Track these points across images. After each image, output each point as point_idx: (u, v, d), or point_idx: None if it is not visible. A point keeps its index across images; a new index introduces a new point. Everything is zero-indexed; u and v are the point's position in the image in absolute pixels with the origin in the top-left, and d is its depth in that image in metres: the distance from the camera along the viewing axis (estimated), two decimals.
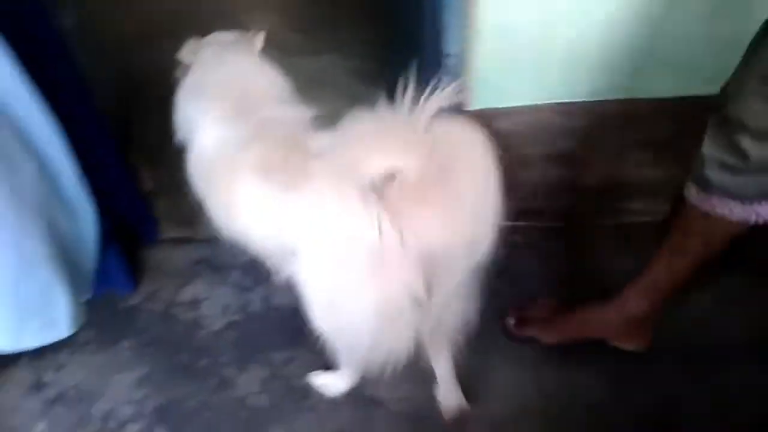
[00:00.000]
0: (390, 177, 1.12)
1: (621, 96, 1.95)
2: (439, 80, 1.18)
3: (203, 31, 2.86)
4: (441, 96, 1.16)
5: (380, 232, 1.14)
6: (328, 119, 1.88)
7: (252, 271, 2.08)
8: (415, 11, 2.03)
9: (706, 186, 1.38)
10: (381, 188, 1.13)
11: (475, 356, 1.85)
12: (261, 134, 1.46)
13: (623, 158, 2.11)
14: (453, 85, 1.16)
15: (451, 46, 1.89)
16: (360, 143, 1.13)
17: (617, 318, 1.80)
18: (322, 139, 1.30)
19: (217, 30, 1.97)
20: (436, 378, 1.75)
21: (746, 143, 1.25)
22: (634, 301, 1.75)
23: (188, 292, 2.06)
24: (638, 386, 1.82)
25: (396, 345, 1.35)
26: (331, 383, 1.79)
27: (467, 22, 1.78)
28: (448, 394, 1.75)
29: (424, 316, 1.31)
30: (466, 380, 1.79)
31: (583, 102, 1.96)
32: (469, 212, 1.17)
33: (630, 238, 2.17)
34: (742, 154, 1.27)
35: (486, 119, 1.95)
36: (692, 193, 1.43)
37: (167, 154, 2.55)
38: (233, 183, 1.46)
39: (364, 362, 1.47)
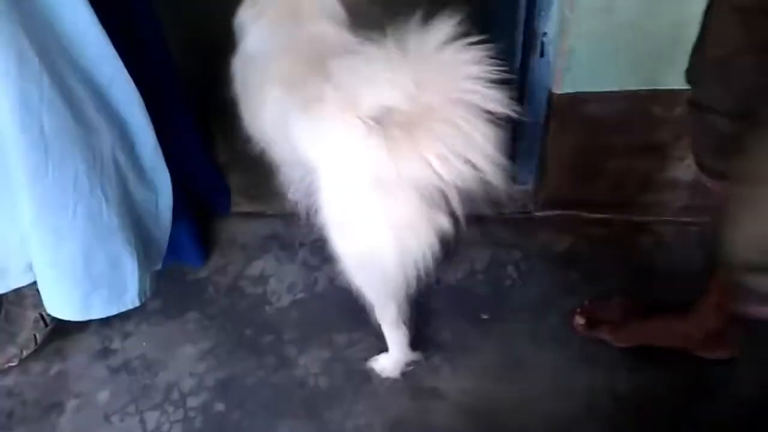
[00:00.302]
0: (388, 109, 1.16)
1: None
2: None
3: None
4: (440, 31, 1.17)
5: (379, 159, 1.18)
6: None
7: (320, 250, 2.04)
8: None
9: None
10: (381, 119, 1.18)
11: (547, 352, 1.77)
12: (297, 48, 1.49)
13: None
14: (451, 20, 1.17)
15: (546, 24, 1.78)
16: (357, 79, 1.19)
17: (697, 331, 1.68)
18: (344, 64, 1.25)
19: None
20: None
21: (722, 124, 1.23)
22: (713, 316, 1.62)
23: (256, 267, 2.04)
24: (720, 394, 1.69)
25: (410, 256, 1.35)
26: (388, 366, 1.76)
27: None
28: None
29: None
30: (535, 376, 1.72)
31: (684, 90, 1.81)
32: (460, 142, 1.18)
33: None
34: (721, 135, 1.24)
35: (576, 103, 1.85)
36: None
37: (245, 128, 2.57)
38: (262, 90, 1.50)
39: (387, 287, 1.45)
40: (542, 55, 1.84)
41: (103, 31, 1.27)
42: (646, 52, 1.73)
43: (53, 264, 1.41)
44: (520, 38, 1.92)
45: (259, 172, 2.31)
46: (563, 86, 1.81)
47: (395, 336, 1.70)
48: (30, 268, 1.45)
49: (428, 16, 1.18)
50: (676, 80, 1.77)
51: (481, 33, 2.62)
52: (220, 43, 2.86)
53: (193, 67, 2.40)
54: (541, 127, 1.98)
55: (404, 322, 1.66)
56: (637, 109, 1.85)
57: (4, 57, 1.08)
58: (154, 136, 1.50)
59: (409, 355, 1.74)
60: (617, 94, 1.82)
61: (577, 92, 1.83)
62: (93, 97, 1.32)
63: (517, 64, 1.99)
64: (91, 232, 1.38)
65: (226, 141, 2.45)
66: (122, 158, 1.41)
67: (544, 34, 1.79)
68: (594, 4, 1.65)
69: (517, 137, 2.10)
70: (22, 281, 1.51)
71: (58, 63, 1.21)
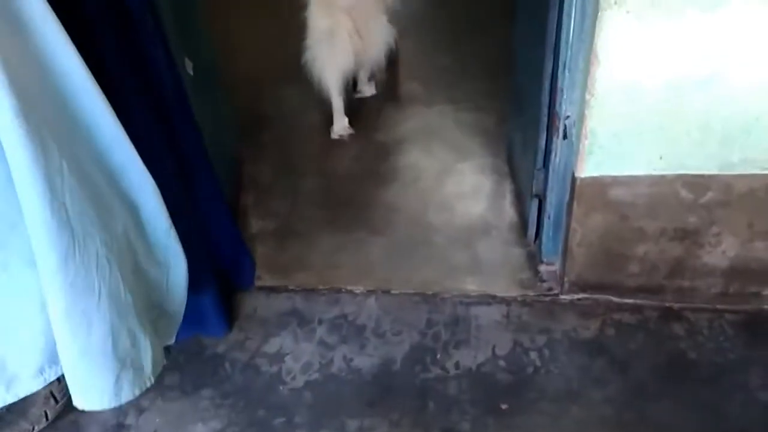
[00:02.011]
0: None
1: (756, 171, 1.74)
2: None
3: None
4: None
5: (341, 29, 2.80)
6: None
7: (338, 328, 2.02)
8: (534, 68, 1.92)
9: None
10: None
11: None
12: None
13: (756, 239, 1.86)
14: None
15: (568, 107, 1.77)
16: None
17: None
18: None
19: None
20: None
21: None
22: None
23: (274, 344, 2.01)
24: None
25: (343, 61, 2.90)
26: (334, 129, 2.98)
27: (586, 82, 1.65)
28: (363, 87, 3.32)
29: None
30: None
31: (713, 175, 1.75)
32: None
33: (761, 329, 1.92)
34: None
35: (601, 186, 1.81)
36: None
37: (276, 199, 2.62)
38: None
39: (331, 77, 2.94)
40: (565, 137, 1.81)
41: (116, 118, 1.31)
42: (672, 136, 1.69)
43: (85, 351, 1.41)
44: (544, 119, 1.90)
45: (283, 246, 2.34)
46: (586, 168, 1.78)
47: (335, 103, 2.99)
48: (41, 372, 1.47)
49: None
50: (705, 164, 1.75)
51: (507, 111, 2.69)
52: (250, 119, 2.99)
53: (228, 141, 2.47)
54: (566, 207, 1.94)
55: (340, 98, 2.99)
56: (666, 193, 1.80)
57: (32, 147, 1.13)
58: (167, 220, 1.52)
59: (345, 121, 2.99)
60: (643, 178, 1.77)
61: (601, 175, 1.78)
62: (107, 181, 1.36)
63: (542, 143, 1.97)
64: (115, 311, 1.40)
65: (257, 214, 2.50)
66: (133, 236, 1.44)
67: (567, 116, 1.78)
68: (614, 88, 1.63)
69: (542, 215, 2.07)
70: (32, 388, 1.52)
71: (74, 149, 1.25)
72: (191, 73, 2.00)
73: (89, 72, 1.28)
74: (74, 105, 1.25)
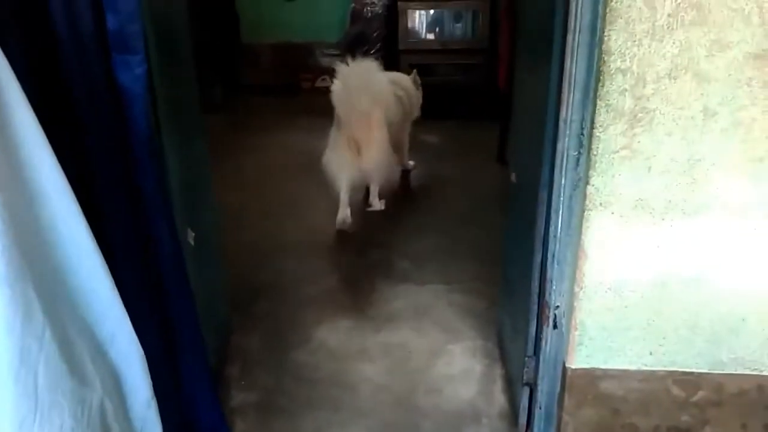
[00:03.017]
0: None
1: (747, 371, 1.74)
2: None
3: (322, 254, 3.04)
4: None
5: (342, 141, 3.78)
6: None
7: None
8: (524, 258, 1.99)
9: None
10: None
11: None
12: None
13: None
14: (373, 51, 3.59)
15: (557, 297, 1.80)
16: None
17: None
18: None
19: None
20: None
21: None
22: None
23: None
24: None
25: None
26: (338, 218, 3.81)
27: (575, 275, 1.71)
28: (373, 200, 3.99)
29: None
30: None
31: (704, 373, 1.75)
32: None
33: None
34: None
35: (591, 378, 1.79)
36: None
37: (261, 372, 2.57)
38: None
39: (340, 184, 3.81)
40: (555, 326, 1.83)
41: (113, 287, 1.33)
42: (660, 332, 1.72)
43: None
44: (534, 308, 1.93)
45: (264, 422, 2.26)
46: (577, 359, 1.78)
47: (342, 198, 3.81)
48: None
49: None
50: (695, 362, 1.76)
51: (498, 296, 2.71)
52: (246, 288, 3.03)
53: (218, 311, 2.48)
54: (557, 398, 1.91)
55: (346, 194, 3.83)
56: (657, 389, 1.78)
57: (12, 315, 1.12)
58: (149, 391, 1.49)
59: (347, 212, 3.80)
60: (634, 373, 1.77)
61: (591, 367, 1.78)
62: (92, 351, 1.34)
63: (532, 331, 1.98)
64: None
65: (238, 386, 2.44)
66: (110, 409, 1.38)
67: (557, 306, 1.80)
68: (602, 283, 1.68)
69: (533, 404, 2.03)
70: None
71: (62, 317, 1.25)
72: (192, 243, 2.06)
73: (93, 239, 1.32)
74: (74, 271, 1.27)
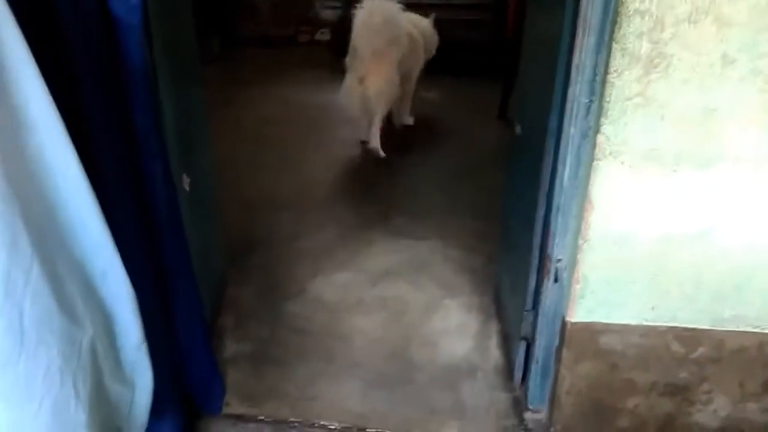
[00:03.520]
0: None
1: (749, 329, 1.72)
2: None
3: (318, 207, 3.03)
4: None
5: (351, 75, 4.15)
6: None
7: None
8: (526, 212, 1.95)
9: None
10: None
11: None
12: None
13: (747, 400, 1.81)
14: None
15: (560, 251, 1.77)
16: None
17: None
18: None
19: None
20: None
21: None
22: None
23: None
24: None
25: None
26: (372, 145, 4.20)
27: (580, 227, 1.67)
28: (372, 138, 4.22)
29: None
30: None
31: (705, 330, 1.73)
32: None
33: None
34: None
35: (591, 333, 1.77)
36: None
37: (256, 323, 2.54)
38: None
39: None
40: (556, 280, 1.80)
41: (104, 223, 1.28)
42: (664, 287, 1.68)
43: None
44: (534, 262, 1.90)
45: (258, 372, 2.24)
46: (577, 313, 1.75)
47: (373, 130, 4.16)
48: None
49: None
50: (697, 318, 1.73)
51: (496, 252, 2.67)
52: (240, 242, 2.98)
53: (214, 263, 2.44)
54: (555, 352, 1.89)
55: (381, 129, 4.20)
56: (657, 345, 1.76)
57: None
58: (140, 334, 1.45)
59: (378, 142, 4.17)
60: (635, 327, 1.74)
61: (592, 321, 1.75)
62: (82, 289, 1.30)
63: (532, 285, 1.95)
64: (56, 428, 1.28)
65: (234, 338, 2.42)
66: (101, 350, 1.35)
67: (559, 260, 1.77)
68: (608, 236, 1.64)
69: (530, 358, 2.01)
70: None
71: (51, 252, 1.20)
72: (187, 188, 2.00)
73: (84, 174, 1.26)
74: (64, 205, 1.22)
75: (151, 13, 1.64)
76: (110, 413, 1.44)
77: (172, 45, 1.94)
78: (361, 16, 3.92)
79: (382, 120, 4.22)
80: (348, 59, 4.14)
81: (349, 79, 4.11)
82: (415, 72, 4.55)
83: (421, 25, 4.53)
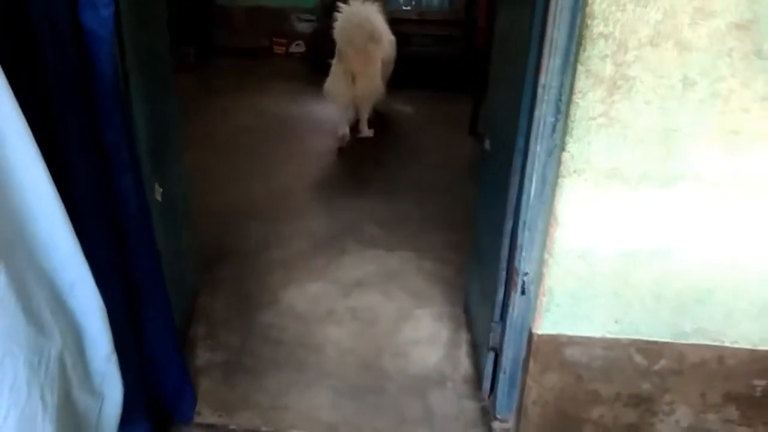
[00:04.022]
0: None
1: (709, 342, 1.77)
2: None
3: (291, 217, 3.02)
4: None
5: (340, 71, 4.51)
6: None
7: None
8: (495, 226, 1.99)
9: None
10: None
11: None
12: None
13: (708, 411, 1.86)
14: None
15: (526, 264, 1.81)
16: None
17: None
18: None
19: None
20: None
21: None
22: None
23: None
24: None
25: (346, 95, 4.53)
26: (339, 131, 4.65)
27: (545, 242, 1.71)
28: (363, 128, 4.73)
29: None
30: None
31: (667, 343, 1.78)
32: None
33: None
34: None
35: (557, 344, 1.81)
36: None
37: (227, 333, 2.54)
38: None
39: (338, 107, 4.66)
40: (523, 292, 1.84)
41: (73, 235, 1.29)
42: (626, 301, 1.73)
43: None
44: (503, 274, 1.94)
45: (229, 381, 2.24)
46: (543, 325, 1.79)
47: (341, 119, 4.62)
48: None
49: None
50: (658, 331, 1.78)
51: (466, 264, 2.69)
52: (212, 251, 2.98)
53: (185, 272, 2.44)
54: (522, 363, 1.93)
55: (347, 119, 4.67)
56: (620, 357, 1.80)
57: None
58: (110, 345, 1.45)
59: (346, 131, 4.61)
60: (598, 340, 1.78)
61: (557, 333, 1.79)
62: (51, 301, 1.30)
63: (500, 297, 1.99)
64: None
65: (204, 346, 2.42)
66: (70, 362, 1.35)
67: (526, 273, 1.81)
68: (572, 251, 1.68)
69: (498, 369, 2.04)
70: None
71: (20, 264, 1.21)
72: (159, 198, 2.01)
73: (54, 186, 1.26)
74: (31, 216, 1.22)
75: (124, 22, 1.65)
76: (79, 424, 1.44)
77: (146, 54, 1.95)
78: (341, 18, 4.32)
79: (368, 112, 4.74)
80: (334, 62, 4.52)
81: (340, 78, 4.47)
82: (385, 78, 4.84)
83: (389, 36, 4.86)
